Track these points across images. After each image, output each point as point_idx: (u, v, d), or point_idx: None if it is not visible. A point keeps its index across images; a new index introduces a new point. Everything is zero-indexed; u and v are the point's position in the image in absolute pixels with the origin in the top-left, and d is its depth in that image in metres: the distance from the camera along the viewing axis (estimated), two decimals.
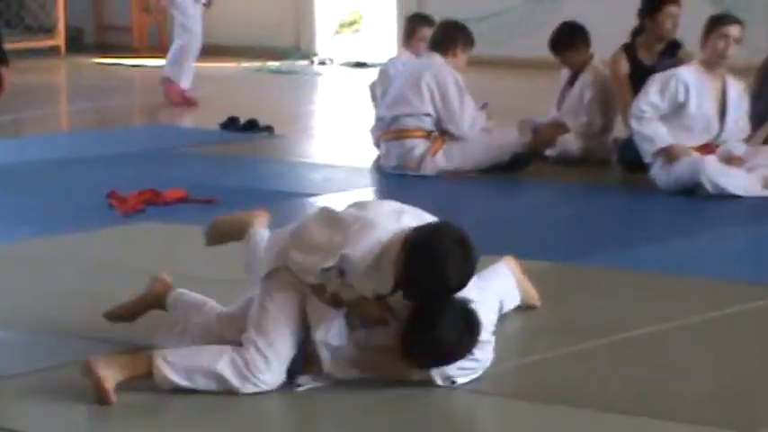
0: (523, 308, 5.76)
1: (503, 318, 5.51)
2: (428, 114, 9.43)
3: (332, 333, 4.67)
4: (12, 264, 6.88)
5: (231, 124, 11.94)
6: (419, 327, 4.48)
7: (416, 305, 4.54)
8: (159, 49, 16.27)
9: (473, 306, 4.62)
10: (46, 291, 6.23)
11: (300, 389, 4.75)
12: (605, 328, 5.58)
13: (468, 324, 4.61)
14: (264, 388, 4.61)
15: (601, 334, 5.46)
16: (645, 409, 4.50)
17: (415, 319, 4.52)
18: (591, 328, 5.63)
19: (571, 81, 9.86)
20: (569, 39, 9.90)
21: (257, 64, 16.98)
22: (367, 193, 9.51)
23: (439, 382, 4.69)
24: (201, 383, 4.57)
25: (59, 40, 18.08)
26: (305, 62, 17.54)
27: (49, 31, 18.20)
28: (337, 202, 7.03)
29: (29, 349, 5.46)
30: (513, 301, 5.54)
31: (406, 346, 4.52)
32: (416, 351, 4.60)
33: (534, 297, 5.68)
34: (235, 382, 4.60)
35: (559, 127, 9.77)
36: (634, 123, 8.69)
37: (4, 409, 4.87)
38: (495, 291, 5.38)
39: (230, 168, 10.05)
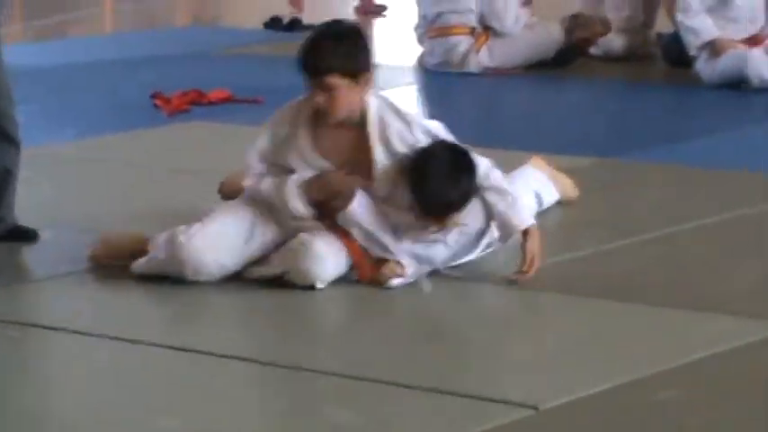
0: (564, 202, 5.71)
1: (546, 212, 5.53)
2: (471, 10, 9.33)
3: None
4: (58, 164, 6.97)
5: (274, 24, 11.75)
6: (417, 184, 4.67)
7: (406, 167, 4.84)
8: None
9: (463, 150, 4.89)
10: (92, 191, 6.40)
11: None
12: (649, 224, 5.55)
13: (460, 166, 4.89)
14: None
15: (645, 229, 5.42)
16: (690, 303, 4.48)
17: (412, 181, 4.72)
18: (635, 223, 5.63)
19: None
20: None
21: None
22: (410, 90, 9.40)
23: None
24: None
25: None
26: None
27: None
28: None
29: (76, 248, 5.44)
30: (550, 194, 5.59)
31: (418, 204, 4.72)
32: (425, 204, 4.77)
33: (571, 188, 5.66)
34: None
35: (602, 23, 9.55)
36: (680, 15, 8.61)
37: (51, 307, 5.15)
38: (524, 181, 5.49)
39: (275, 68, 9.58)
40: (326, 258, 4.85)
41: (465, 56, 9.30)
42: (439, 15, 9.18)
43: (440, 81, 9.55)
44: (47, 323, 4.79)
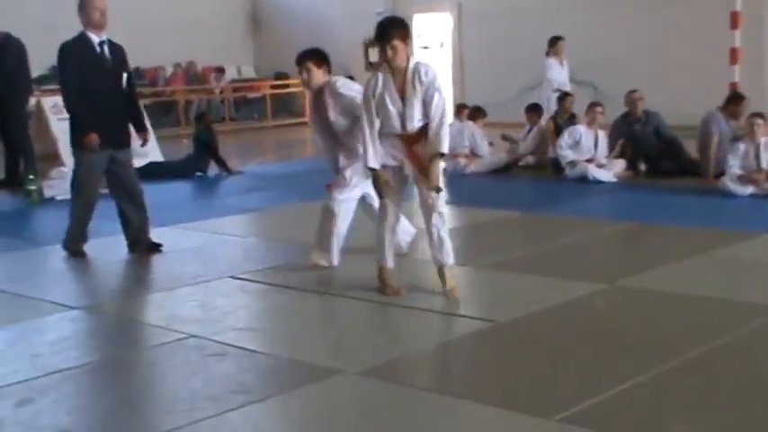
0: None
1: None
2: (466, 146, 14.94)
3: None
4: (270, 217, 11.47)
5: None
6: None
7: None
8: None
9: None
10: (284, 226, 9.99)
11: None
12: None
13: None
14: None
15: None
16: None
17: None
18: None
19: (530, 129, 15.14)
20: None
21: None
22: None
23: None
24: None
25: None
26: None
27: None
28: None
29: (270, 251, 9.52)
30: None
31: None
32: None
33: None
34: None
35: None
36: (558, 149, 13.58)
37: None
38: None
39: None
40: None
41: (464, 167, 14.03)
42: (452, 148, 11.42)
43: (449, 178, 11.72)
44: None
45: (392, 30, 7.51)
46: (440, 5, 23.75)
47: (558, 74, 16.16)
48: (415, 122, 7.55)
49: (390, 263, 7.89)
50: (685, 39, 19.75)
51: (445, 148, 7.52)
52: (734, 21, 17.39)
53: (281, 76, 26.94)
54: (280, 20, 27.51)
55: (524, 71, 21.39)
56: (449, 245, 7.69)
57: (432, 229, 7.67)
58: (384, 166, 7.65)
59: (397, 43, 7.44)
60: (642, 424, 5.07)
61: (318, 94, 8.42)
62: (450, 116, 8.03)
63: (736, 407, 5.31)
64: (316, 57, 8.42)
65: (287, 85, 26.55)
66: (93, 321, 7.78)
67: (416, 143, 7.60)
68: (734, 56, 17.79)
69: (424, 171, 7.53)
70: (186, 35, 25.52)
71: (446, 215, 7.94)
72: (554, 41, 16.55)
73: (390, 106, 7.55)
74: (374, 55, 7.04)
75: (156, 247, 9.82)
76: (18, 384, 6.06)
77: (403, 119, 7.57)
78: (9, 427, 5.41)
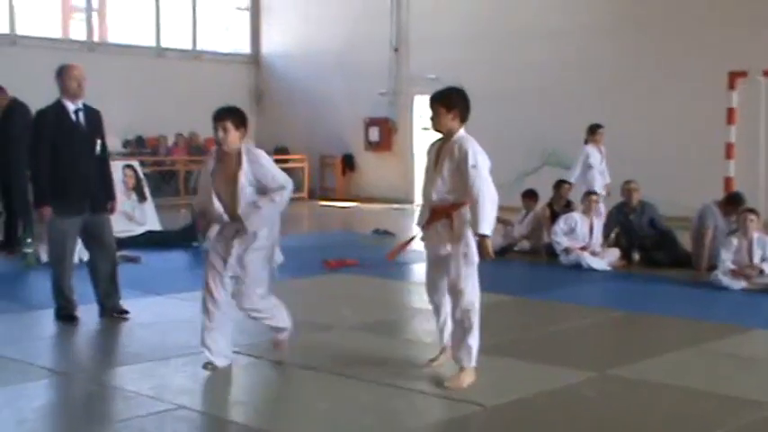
0: None
1: None
2: None
3: None
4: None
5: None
6: None
7: None
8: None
9: None
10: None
11: None
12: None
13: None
14: None
15: None
16: None
17: None
18: None
19: (525, 214, 15.20)
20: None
21: None
22: None
23: None
24: None
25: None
26: None
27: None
28: None
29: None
30: None
31: None
32: None
33: None
34: None
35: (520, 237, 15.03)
36: (553, 235, 13.69)
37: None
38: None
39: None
40: None
41: None
42: None
43: None
44: None
45: (441, 95, 7.76)
46: (440, 87, 23.66)
47: (598, 161, 15.82)
48: (440, 195, 7.50)
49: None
50: (682, 132, 19.93)
51: (482, 228, 7.32)
52: (730, 116, 17.59)
53: (281, 150, 27.07)
54: (281, 96, 27.74)
55: (522, 157, 21.76)
56: (473, 347, 7.52)
57: (458, 322, 7.52)
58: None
59: (442, 109, 7.62)
60: None
61: (229, 155, 7.93)
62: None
63: None
64: (236, 117, 7.95)
65: (287, 160, 26.56)
66: (83, 388, 7.74)
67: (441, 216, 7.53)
68: (729, 151, 18.00)
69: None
70: (189, 107, 25.43)
71: (477, 312, 7.58)
72: (594, 129, 16.12)
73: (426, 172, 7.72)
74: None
75: (123, 313, 9.93)
76: None
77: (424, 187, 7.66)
78: None
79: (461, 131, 7.64)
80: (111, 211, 10.20)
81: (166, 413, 6.83)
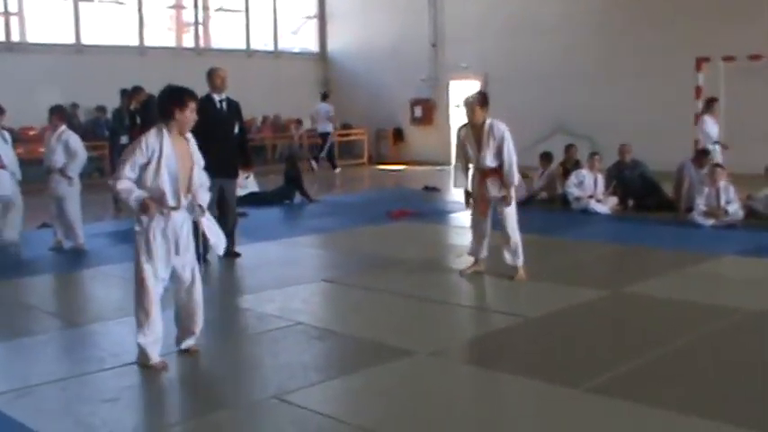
0: None
1: None
2: None
3: None
4: (344, 236, 11.61)
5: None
6: None
7: None
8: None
9: None
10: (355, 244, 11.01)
11: None
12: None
13: None
14: None
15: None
16: None
17: None
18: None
19: (542, 172, 15.11)
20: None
21: None
22: None
23: None
24: None
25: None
26: None
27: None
28: None
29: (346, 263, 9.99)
30: None
31: None
32: None
33: None
34: None
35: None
36: (566, 188, 13.63)
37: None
38: None
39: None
40: None
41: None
42: None
43: None
44: None
45: (474, 99, 8.49)
46: (471, 74, 23.91)
47: (712, 128, 14.97)
48: (488, 162, 8.45)
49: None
50: (662, 105, 19.86)
51: (513, 181, 8.47)
52: (697, 93, 17.55)
53: (346, 126, 27.22)
54: (345, 83, 27.80)
55: (537, 126, 21.72)
56: (521, 251, 8.58)
57: (509, 240, 8.58)
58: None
59: (477, 108, 8.40)
60: (647, 391, 5.29)
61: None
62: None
63: (710, 377, 5.59)
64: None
65: (350, 134, 26.86)
66: (221, 310, 7.88)
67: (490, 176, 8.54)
68: (697, 119, 17.61)
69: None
70: (272, 95, 25.88)
71: (517, 232, 8.64)
72: (711, 102, 15.36)
73: (469, 150, 8.56)
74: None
75: (236, 255, 10.17)
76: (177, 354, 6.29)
77: (478, 159, 8.44)
78: (176, 382, 5.68)
79: (488, 118, 8.52)
80: (249, 174, 10.75)
81: (288, 328, 7.07)
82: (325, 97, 24.80)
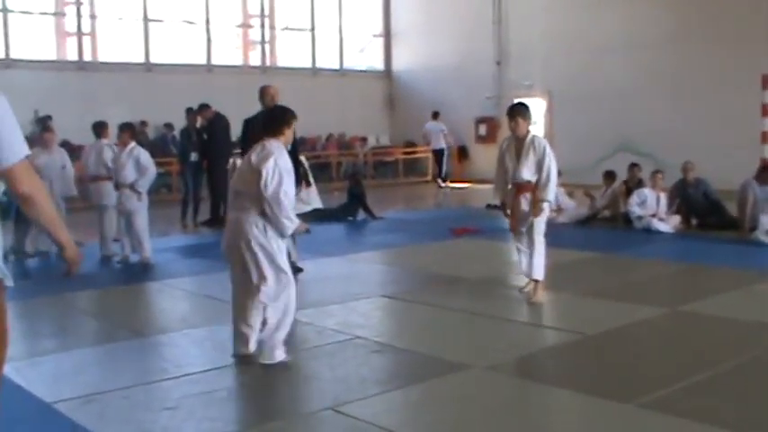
0: None
1: None
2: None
3: None
4: (407, 252, 11.71)
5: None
6: None
7: None
8: None
9: None
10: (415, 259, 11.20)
11: None
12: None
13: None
14: None
15: None
16: None
17: None
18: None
19: (605, 190, 15.16)
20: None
21: None
22: None
23: None
24: None
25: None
26: None
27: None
28: None
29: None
30: None
31: None
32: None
33: None
34: None
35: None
36: (630, 206, 13.54)
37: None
38: None
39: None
40: None
41: (553, 218, 13.28)
42: None
43: None
44: None
45: (517, 110, 8.35)
46: (535, 92, 23.91)
47: None
48: (524, 175, 8.26)
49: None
50: (728, 123, 19.67)
51: (548, 197, 8.24)
52: (764, 110, 17.55)
53: (410, 144, 27.35)
54: (410, 100, 27.93)
55: (600, 144, 21.66)
56: (540, 265, 8.32)
57: (532, 251, 8.33)
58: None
59: (520, 120, 8.25)
60: (702, 408, 5.29)
61: None
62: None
63: (766, 397, 5.58)
64: None
65: (414, 152, 26.93)
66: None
67: (525, 191, 8.35)
68: (764, 137, 18.00)
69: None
70: (338, 112, 26.15)
71: (543, 243, 8.42)
72: None
73: (508, 162, 8.40)
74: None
75: (299, 270, 10.08)
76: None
77: (515, 171, 8.30)
78: (235, 393, 5.82)
79: (531, 132, 8.41)
80: (304, 189, 10.64)
81: (348, 342, 7.17)
82: (436, 116, 24.96)
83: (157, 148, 20.78)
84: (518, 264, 8.76)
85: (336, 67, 28.05)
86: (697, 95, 20.41)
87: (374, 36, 28.98)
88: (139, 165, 11.45)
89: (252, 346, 6.46)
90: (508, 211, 8.63)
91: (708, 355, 6.57)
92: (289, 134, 6.48)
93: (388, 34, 28.90)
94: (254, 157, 6.28)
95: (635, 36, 21.81)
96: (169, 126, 22.09)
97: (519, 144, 8.36)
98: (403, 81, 28.50)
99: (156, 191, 18.27)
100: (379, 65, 29.06)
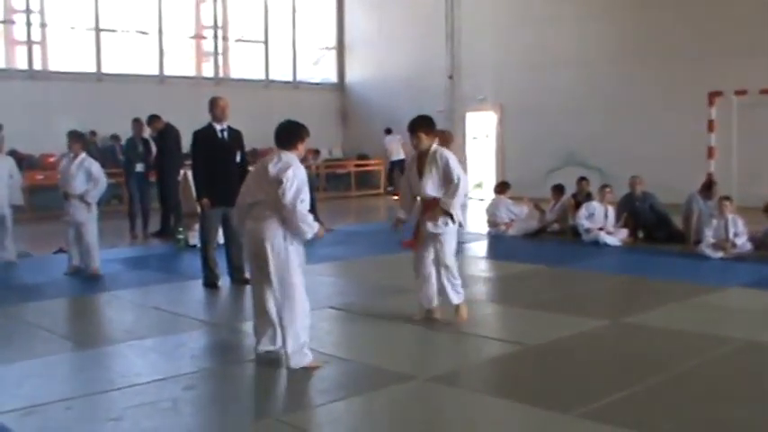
0: None
1: None
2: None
3: None
4: (355, 265, 11.71)
5: None
6: None
7: None
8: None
9: None
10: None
11: None
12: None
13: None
14: None
15: None
16: None
17: None
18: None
19: (554, 203, 15.17)
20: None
21: None
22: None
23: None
24: None
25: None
26: None
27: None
28: None
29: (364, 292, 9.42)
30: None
31: None
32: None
33: None
34: None
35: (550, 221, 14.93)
36: (579, 219, 13.65)
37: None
38: None
39: None
40: None
41: (503, 231, 14.33)
42: (492, 216, 13.96)
43: (492, 240, 14.00)
44: None
45: (418, 124, 7.93)
46: (486, 106, 24.07)
47: None
48: (428, 191, 7.84)
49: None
50: (674, 138, 19.98)
51: (451, 208, 7.74)
52: (710, 126, 18.00)
53: (362, 156, 27.48)
54: (363, 113, 28.04)
55: (549, 157, 21.90)
56: (455, 288, 8.00)
57: (442, 277, 8.00)
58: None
59: (422, 135, 7.85)
60: (640, 418, 5.34)
61: None
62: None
63: (703, 407, 5.60)
64: None
65: (367, 164, 27.06)
66: (225, 334, 8.04)
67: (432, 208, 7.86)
68: (710, 152, 18.49)
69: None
70: None
71: (455, 265, 8.11)
72: None
73: (411, 180, 7.97)
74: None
75: (247, 281, 9.77)
76: (183, 376, 6.44)
77: (419, 188, 7.90)
78: (180, 403, 5.80)
79: (434, 145, 7.94)
80: None
81: None
82: (389, 132, 25.11)
83: (107, 158, 20.57)
84: (417, 292, 8.30)
85: (289, 79, 28.07)
86: (645, 111, 20.68)
87: (327, 48, 29.00)
88: (91, 176, 11.38)
89: (276, 342, 6.74)
90: (400, 227, 8.27)
91: (648, 365, 6.60)
92: (301, 148, 6.70)
93: (341, 47, 29.01)
94: (271, 167, 6.49)
95: (585, 52, 22.09)
96: (116, 137, 21.83)
97: (422, 159, 7.92)
98: (356, 94, 28.61)
99: (108, 202, 18.13)
100: (332, 77, 28.92)
